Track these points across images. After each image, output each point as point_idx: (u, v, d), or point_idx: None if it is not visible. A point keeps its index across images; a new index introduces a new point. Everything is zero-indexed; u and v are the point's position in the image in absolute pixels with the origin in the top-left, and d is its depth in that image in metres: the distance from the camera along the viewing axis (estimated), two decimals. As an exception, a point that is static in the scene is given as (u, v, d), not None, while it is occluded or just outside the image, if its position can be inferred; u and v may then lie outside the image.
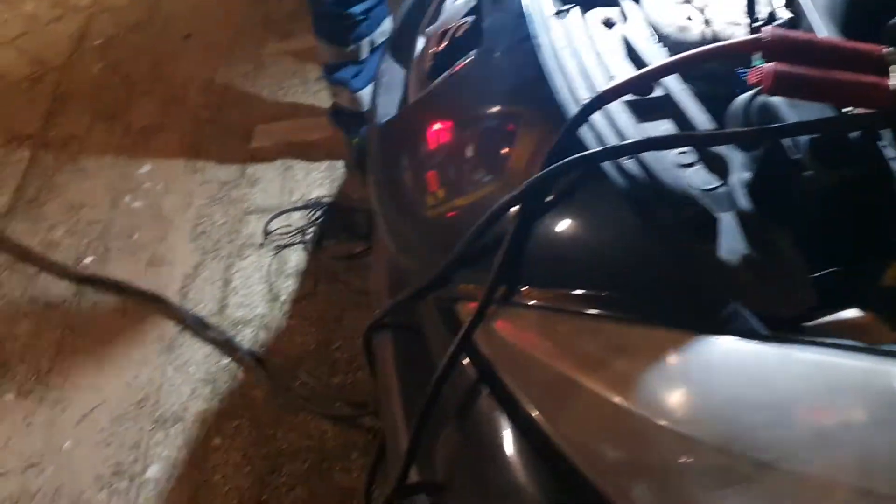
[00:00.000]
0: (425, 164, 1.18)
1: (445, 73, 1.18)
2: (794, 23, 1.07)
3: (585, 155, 0.89)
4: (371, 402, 1.73)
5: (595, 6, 1.10)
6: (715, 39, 1.21)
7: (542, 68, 1.01)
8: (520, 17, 1.10)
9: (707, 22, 1.22)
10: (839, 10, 0.98)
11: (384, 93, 1.37)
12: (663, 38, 1.27)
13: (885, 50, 0.77)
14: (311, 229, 2.19)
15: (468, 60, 1.15)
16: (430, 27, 1.30)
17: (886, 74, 0.76)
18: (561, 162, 0.89)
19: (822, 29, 0.99)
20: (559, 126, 0.96)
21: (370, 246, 2.11)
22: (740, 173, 0.86)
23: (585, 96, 0.95)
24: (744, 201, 0.83)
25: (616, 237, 0.88)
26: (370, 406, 1.74)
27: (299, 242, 2.18)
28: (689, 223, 0.82)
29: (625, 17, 1.09)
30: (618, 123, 0.92)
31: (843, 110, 0.82)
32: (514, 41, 1.10)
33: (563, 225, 0.92)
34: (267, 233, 2.21)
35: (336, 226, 2.21)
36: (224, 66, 2.83)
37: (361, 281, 2.04)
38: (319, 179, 2.37)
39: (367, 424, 1.72)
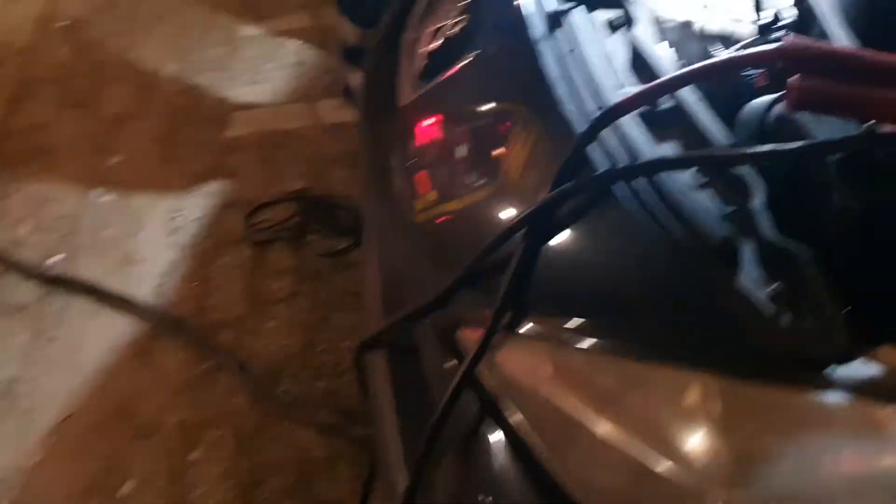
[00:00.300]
0: (420, 166, 1.11)
1: (442, 75, 1.10)
2: (803, 23, 1.00)
3: (595, 177, 0.82)
4: (359, 410, 1.66)
5: (598, 5, 1.03)
6: (721, 39, 1.14)
7: (544, 76, 0.94)
8: (520, 17, 1.02)
9: (711, 20, 1.15)
10: (855, 13, 0.91)
11: (375, 89, 1.29)
12: (669, 36, 1.20)
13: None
14: (292, 224, 2.10)
15: (466, 62, 1.07)
16: (423, 23, 1.22)
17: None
18: (568, 185, 0.82)
19: (838, 32, 0.92)
20: (560, 130, 0.89)
21: (355, 242, 2.03)
22: (761, 195, 0.79)
23: (594, 109, 0.88)
24: (767, 227, 0.76)
25: (630, 265, 0.81)
26: (358, 414, 1.67)
27: (281, 238, 2.09)
28: (709, 252, 0.75)
29: (631, 19, 1.01)
30: (628, 138, 0.84)
31: (868, 125, 0.76)
32: (514, 43, 1.02)
33: (574, 250, 0.85)
34: (246, 228, 2.11)
35: (319, 220, 2.12)
36: (198, 49, 2.72)
37: (347, 279, 1.97)
38: (301, 170, 2.27)
39: (355, 433, 1.65)
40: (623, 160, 0.83)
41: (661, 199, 0.79)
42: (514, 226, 0.84)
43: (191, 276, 2.02)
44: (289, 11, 2.81)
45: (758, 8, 1.12)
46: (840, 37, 0.92)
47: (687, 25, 1.19)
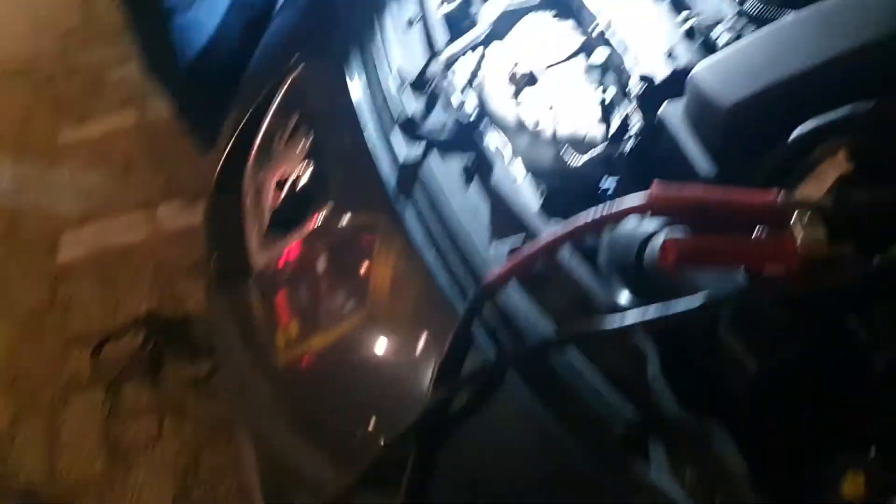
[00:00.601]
0: (279, 337, 1.01)
1: (294, 232, 1.01)
2: (652, 132, 0.97)
3: (480, 371, 0.75)
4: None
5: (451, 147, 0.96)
6: (573, 144, 1.11)
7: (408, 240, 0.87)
8: (373, 169, 0.94)
9: (559, 126, 1.12)
10: (706, 126, 0.88)
11: (222, 242, 1.17)
12: (521, 147, 1.16)
13: (780, 198, 0.68)
14: (146, 353, 1.93)
15: (318, 220, 0.98)
16: (264, 169, 1.12)
17: (787, 225, 0.67)
18: (452, 386, 0.76)
19: (691, 147, 0.89)
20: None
21: (217, 365, 1.89)
22: (656, 362, 0.74)
23: (465, 277, 0.82)
24: (669, 401, 0.72)
25: (535, 462, 0.74)
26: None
27: (135, 372, 1.91)
28: (613, 443, 0.70)
29: (487, 159, 0.95)
30: (509, 310, 0.78)
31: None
32: (370, 200, 0.94)
33: (472, 447, 0.77)
34: (93, 366, 1.92)
35: (175, 344, 1.96)
36: (13, 163, 2.48)
37: (214, 408, 1.82)
38: (146, 289, 2.10)
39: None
40: (506, 333, 0.77)
41: (553, 387, 0.73)
42: (402, 434, 0.76)
43: (36, 435, 1.81)
44: (111, 109, 2.62)
45: (606, 114, 1.09)
46: (693, 153, 0.89)
47: (538, 135, 1.15)
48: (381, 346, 0.91)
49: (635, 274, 0.84)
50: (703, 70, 0.86)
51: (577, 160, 1.09)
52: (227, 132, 1.20)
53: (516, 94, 1.15)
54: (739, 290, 0.70)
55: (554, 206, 0.96)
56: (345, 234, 0.96)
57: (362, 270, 0.93)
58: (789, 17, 0.84)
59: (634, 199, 0.71)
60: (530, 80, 1.17)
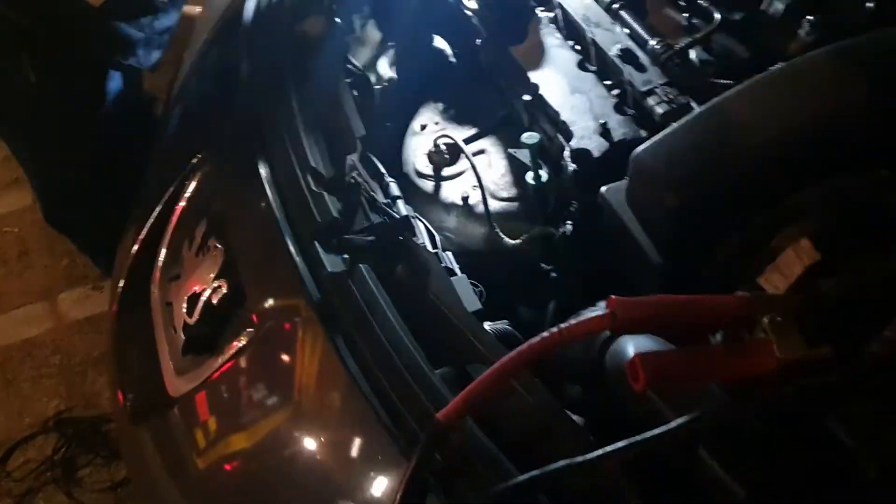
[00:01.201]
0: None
1: (217, 358, 0.90)
2: (592, 212, 0.92)
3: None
4: None
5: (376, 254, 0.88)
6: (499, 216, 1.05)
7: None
8: (298, 281, 0.85)
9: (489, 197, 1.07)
10: (656, 214, 0.82)
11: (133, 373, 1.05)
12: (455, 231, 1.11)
13: (748, 301, 0.63)
14: (59, 458, 1.78)
15: (241, 340, 0.88)
16: (173, 282, 1.01)
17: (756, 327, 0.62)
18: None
19: (636, 231, 0.83)
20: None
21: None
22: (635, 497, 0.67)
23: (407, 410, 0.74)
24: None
25: None
26: None
27: (47, 480, 1.75)
28: None
29: (418, 259, 0.87)
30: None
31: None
32: (296, 314, 0.85)
33: None
34: (2, 477, 1.76)
35: (90, 446, 1.81)
36: None
37: (140, 513, 1.68)
38: (54, 386, 1.94)
39: None
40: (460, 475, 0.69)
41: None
42: None
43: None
44: (-1, 190, 2.43)
45: (538, 191, 1.04)
46: (641, 238, 0.83)
47: (467, 217, 1.09)
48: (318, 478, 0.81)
49: (596, 380, 0.78)
50: (649, 150, 0.80)
51: (510, 242, 1.03)
52: (125, 247, 1.07)
53: (437, 176, 1.09)
54: (717, 407, 0.64)
55: (494, 306, 0.90)
56: (271, 354, 0.87)
57: (293, 396, 0.83)
58: (732, 91, 0.79)
59: (594, 315, 0.65)
60: (451, 157, 1.11)
